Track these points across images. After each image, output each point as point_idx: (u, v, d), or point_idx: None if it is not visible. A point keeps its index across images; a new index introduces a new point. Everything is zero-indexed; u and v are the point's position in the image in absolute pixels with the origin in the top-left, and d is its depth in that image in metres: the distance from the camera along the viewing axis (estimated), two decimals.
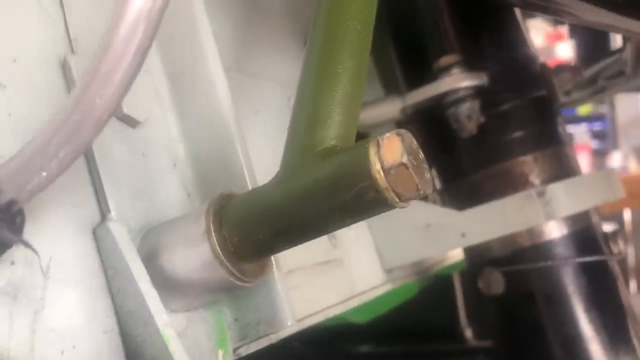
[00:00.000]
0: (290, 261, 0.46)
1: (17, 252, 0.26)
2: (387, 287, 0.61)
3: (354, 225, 0.58)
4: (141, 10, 0.22)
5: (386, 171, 0.26)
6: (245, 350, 0.38)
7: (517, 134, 0.60)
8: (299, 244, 0.30)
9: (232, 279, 0.30)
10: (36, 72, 0.31)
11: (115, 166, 0.32)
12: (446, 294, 1.06)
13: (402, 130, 0.27)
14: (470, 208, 0.59)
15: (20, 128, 0.28)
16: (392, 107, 0.62)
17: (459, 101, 0.58)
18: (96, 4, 0.35)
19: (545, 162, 0.60)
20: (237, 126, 0.38)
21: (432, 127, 0.64)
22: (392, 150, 0.26)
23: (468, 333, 1.08)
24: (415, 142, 0.28)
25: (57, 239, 0.28)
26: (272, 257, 0.36)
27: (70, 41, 0.33)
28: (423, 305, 1.05)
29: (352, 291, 0.54)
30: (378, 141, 0.27)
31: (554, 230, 0.60)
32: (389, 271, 0.62)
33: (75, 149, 0.23)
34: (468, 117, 0.57)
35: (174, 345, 0.28)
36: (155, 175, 0.35)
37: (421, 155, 0.28)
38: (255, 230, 0.29)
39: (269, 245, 0.30)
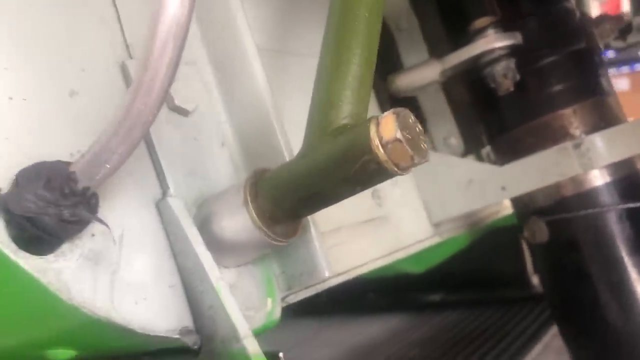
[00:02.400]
0: (335, 220, 0.51)
1: (96, 226, 0.33)
2: (435, 240, 0.65)
3: (400, 185, 0.64)
4: (168, 32, 0.27)
5: (384, 146, 0.30)
6: (293, 298, 0.44)
7: (556, 88, 0.62)
8: (321, 209, 0.36)
9: (268, 240, 0.36)
10: (101, 78, 0.37)
11: (171, 151, 0.39)
12: (513, 243, 1.09)
13: (400, 109, 0.32)
14: (511, 162, 0.62)
15: (93, 127, 0.35)
16: (433, 71, 0.65)
17: (494, 61, 0.60)
18: (146, 14, 0.41)
19: (585, 113, 0.62)
20: (274, 107, 0.43)
21: (473, 86, 0.67)
22: (388, 128, 0.31)
23: (534, 280, 1.10)
24: (412, 118, 0.32)
25: (128, 213, 0.35)
26: (310, 218, 0.42)
27: (127, 48, 0.40)
28: (491, 255, 1.09)
29: (397, 245, 0.59)
30: (378, 120, 0.31)
31: (597, 179, 0.62)
32: (436, 225, 0.66)
33: (130, 145, 0.29)
34: (504, 75, 0.60)
35: (225, 295, 0.35)
36: (206, 155, 0.41)
37: (418, 128, 0.32)
38: (284, 198, 0.35)
39: (296, 211, 0.36)
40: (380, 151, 0.31)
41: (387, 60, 0.70)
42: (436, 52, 0.69)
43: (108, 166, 0.30)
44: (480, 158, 0.78)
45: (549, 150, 0.60)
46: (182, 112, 0.40)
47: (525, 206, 0.66)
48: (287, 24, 0.57)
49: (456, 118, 0.73)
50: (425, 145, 0.32)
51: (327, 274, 0.42)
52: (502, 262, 1.12)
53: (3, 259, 0.29)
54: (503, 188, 0.62)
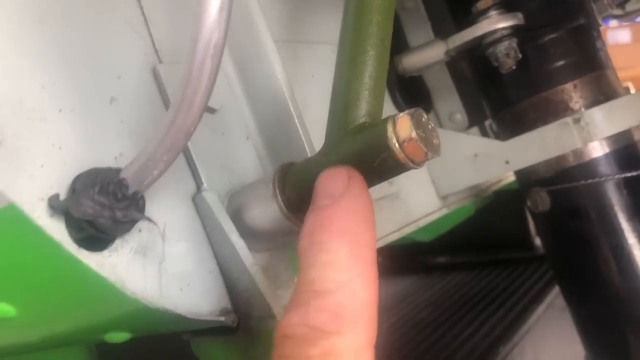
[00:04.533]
0: None
1: (142, 223, 0.37)
2: (443, 212, 0.69)
3: None
4: (206, 54, 0.30)
5: (400, 144, 0.34)
6: None
7: (555, 64, 0.65)
8: None
9: (296, 227, 0.39)
10: (136, 83, 0.40)
11: (202, 148, 0.42)
12: (517, 207, 1.13)
13: (413, 110, 0.35)
14: (514, 137, 0.65)
15: (132, 130, 0.39)
16: (437, 51, 0.68)
17: (496, 41, 0.63)
18: (172, 19, 0.44)
19: (584, 88, 0.65)
20: (293, 101, 0.46)
21: (476, 64, 0.70)
22: (404, 128, 0.34)
23: (537, 242, 1.15)
24: (424, 117, 0.35)
25: (168, 209, 0.39)
26: None
27: (156, 52, 0.43)
28: (495, 219, 1.13)
29: (408, 219, 0.63)
30: (394, 120, 0.34)
31: (596, 150, 0.65)
32: (444, 198, 0.70)
33: (174, 153, 0.33)
34: (506, 55, 0.62)
35: (259, 278, 0.39)
36: (234, 149, 0.45)
37: (430, 125, 0.35)
38: (309, 191, 0.38)
39: None
40: (397, 149, 0.34)
41: (394, 41, 0.73)
42: (440, 32, 0.72)
43: (155, 172, 0.33)
44: (483, 130, 0.81)
45: (550, 126, 0.63)
46: (211, 110, 0.43)
47: (527, 177, 0.70)
48: (296, 14, 0.59)
49: (460, 94, 0.76)
50: (438, 140, 0.35)
51: None
52: (506, 225, 1.16)
53: (67, 257, 0.32)
54: (507, 162, 0.66)
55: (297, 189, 0.39)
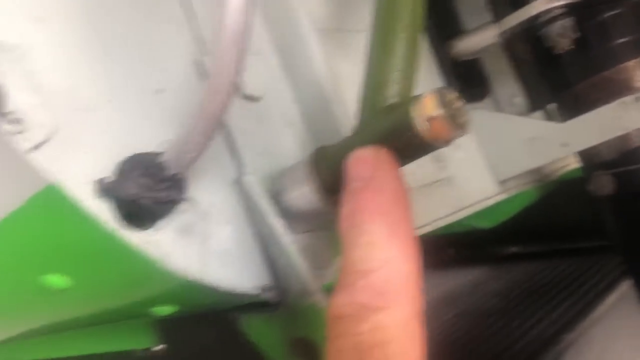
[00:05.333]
0: None
1: (186, 204, 0.39)
2: (501, 197, 0.68)
3: (463, 147, 0.67)
4: (231, 36, 0.32)
5: (424, 123, 0.34)
6: None
7: (617, 41, 0.62)
8: None
9: (332, 208, 0.41)
10: (180, 75, 0.43)
11: (245, 135, 0.44)
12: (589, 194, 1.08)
13: (440, 88, 0.35)
14: (572, 119, 0.63)
15: (176, 120, 0.41)
16: (491, 33, 0.66)
17: (551, 20, 0.61)
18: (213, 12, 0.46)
19: None
20: (333, 87, 0.47)
21: (532, 45, 0.68)
22: (429, 106, 0.34)
23: None
24: (451, 95, 0.35)
25: (211, 191, 0.41)
26: None
27: (200, 45, 0.45)
28: (568, 206, 1.09)
29: (463, 204, 0.62)
30: (419, 99, 0.35)
31: None
32: (502, 182, 0.69)
33: (207, 137, 0.35)
34: (560, 35, 0.61)
35: (296, 256, 0.41)
36: (275, 135, 0.47)
37: (458, 103, 0.36)
38: (342, 172, 0.39)
39: None
40: (421, 127, 0.34)
41: (448, 25, 0.72)
42: (497, 14, 0.70)
43: (193, 154, 0.36)
44: (547, 114, 0.79)
45: (609, 105, 0.60)
46: (253, 99, 0.45)
47: (590, 160, 0.67)
48: (342, 2, 0.60)
49: (520, 77, 0.74)
50: (466, 118, 0.36)
51: None
52: (579, 213, 1.11)
53: (113, 235, 0.35)
54: (565, 144, 0.64)
55: (330, 170, 0.40)
